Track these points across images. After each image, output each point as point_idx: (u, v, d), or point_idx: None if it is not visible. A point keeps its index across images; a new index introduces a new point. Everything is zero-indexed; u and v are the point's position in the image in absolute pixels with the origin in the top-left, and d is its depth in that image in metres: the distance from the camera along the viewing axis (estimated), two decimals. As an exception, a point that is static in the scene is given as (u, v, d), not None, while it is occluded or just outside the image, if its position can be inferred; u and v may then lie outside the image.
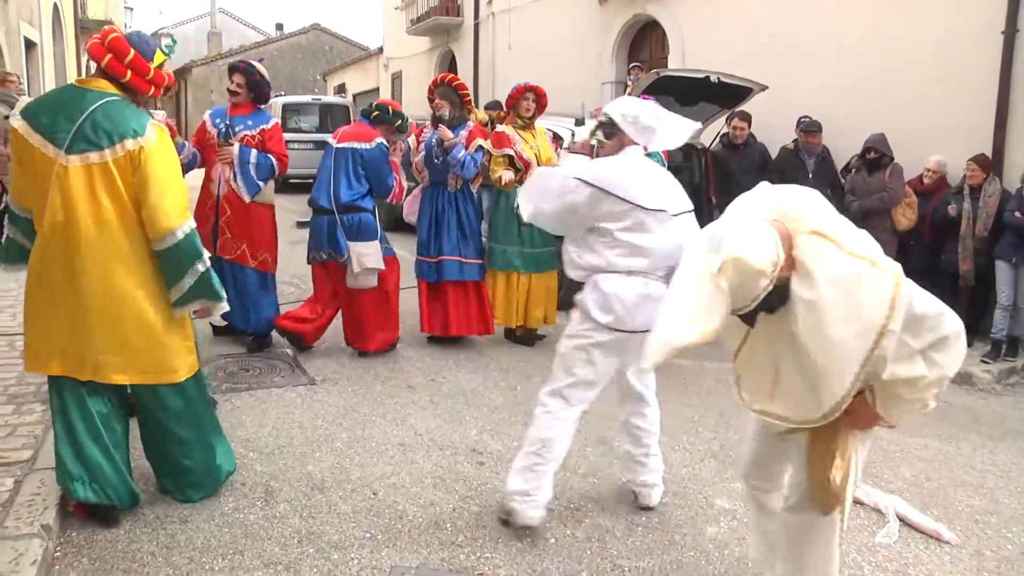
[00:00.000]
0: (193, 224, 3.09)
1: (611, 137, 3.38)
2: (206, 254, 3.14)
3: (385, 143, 5.62)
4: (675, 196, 3.34)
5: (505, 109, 6.31)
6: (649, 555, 3.28)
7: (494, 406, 4.91)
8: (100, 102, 2.99)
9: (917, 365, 2.19)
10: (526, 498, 3.28)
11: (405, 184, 5.87)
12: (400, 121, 5.76)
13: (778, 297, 2.21)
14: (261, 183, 5.46)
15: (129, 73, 3.07)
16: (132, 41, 3.10)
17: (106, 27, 3.26)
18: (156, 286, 3.12)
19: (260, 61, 5.70)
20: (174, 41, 3.96)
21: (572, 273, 3.41)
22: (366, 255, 5.48)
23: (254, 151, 5.40)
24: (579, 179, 3.22)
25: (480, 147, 6.00)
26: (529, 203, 3.41)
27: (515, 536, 3.34)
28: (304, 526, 3.33)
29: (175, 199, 3.03)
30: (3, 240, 3.34)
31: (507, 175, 5.91)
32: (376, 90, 25.26)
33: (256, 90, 5.52)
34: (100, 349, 3.06)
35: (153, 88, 3.17)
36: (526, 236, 6.09)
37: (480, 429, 4.53)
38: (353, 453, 4.10)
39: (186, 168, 5.03)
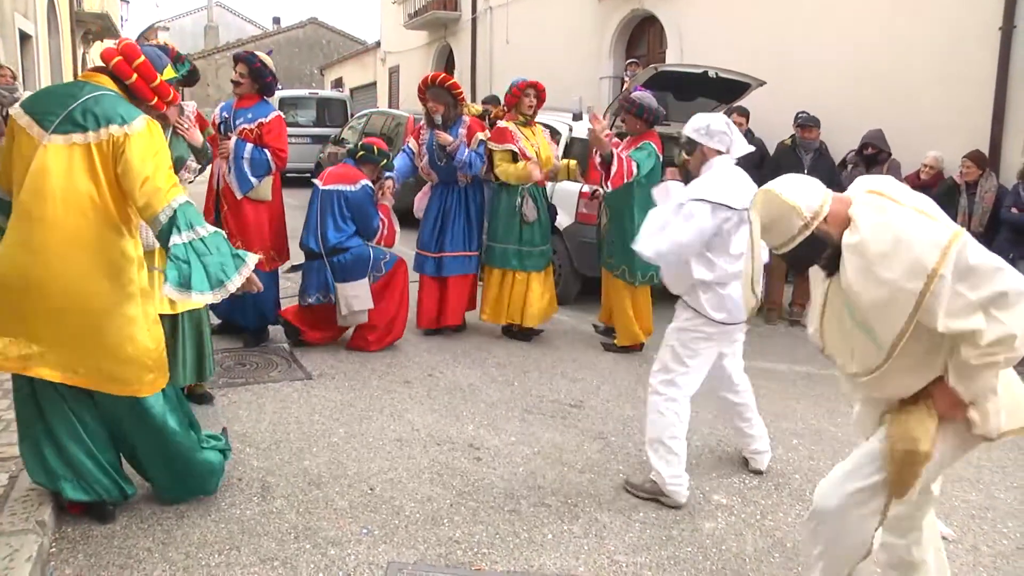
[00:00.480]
0: (179, 203, 2.92)
1: (692, 152, 3.79)
2: (201, 226, 2.96)
3: (370, 184, 5.68)
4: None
5: (506, 106, 6.29)
6: (646, 550, 3.27)
7: (491, 401, 4.91)
8: (95, 92, 2.98)
9: (974, 318, 2.14)
10: (678, 479, 3.63)
11: (397, 228, 5.97)
12: (385, 160, 5.78)
13: (835, 256, 2.29)
14: (255, 180, 5.35)
15: (135, 76, 3.07)
16: (145, 50, 3.13)
17: (125, 40, 3.27)
18: (118, 289, 2.96)
19: (268, 53, 5.67)
20: (188, 63, 3.99)
21: (679, 289, 3.75)
22: (354, 297, 5.53)
23: (249, 145, 5.31)
24: (699, 199, 3.54)
25: (482, 141, 6.01)
26: (654, 243, 3.57)
27: (512, 531, 3.34)
28: (301, 522, 3.32)
29: (158, 185, 2.90)
30: None
31: (536, 171, 5.93)
32: (373, 84, 25.24)
33: (259, 79, 5.40)
34: (39, 338, 2.89)
35: (157, 98, 3.15)
36: (526, 235, 6.08)
37: (477, 424, 4.52)
38: (350, 448, 4.09)
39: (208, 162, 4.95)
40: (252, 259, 3.04)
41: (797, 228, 2.27)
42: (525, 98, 6.06)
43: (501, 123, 6.14)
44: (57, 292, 2.86)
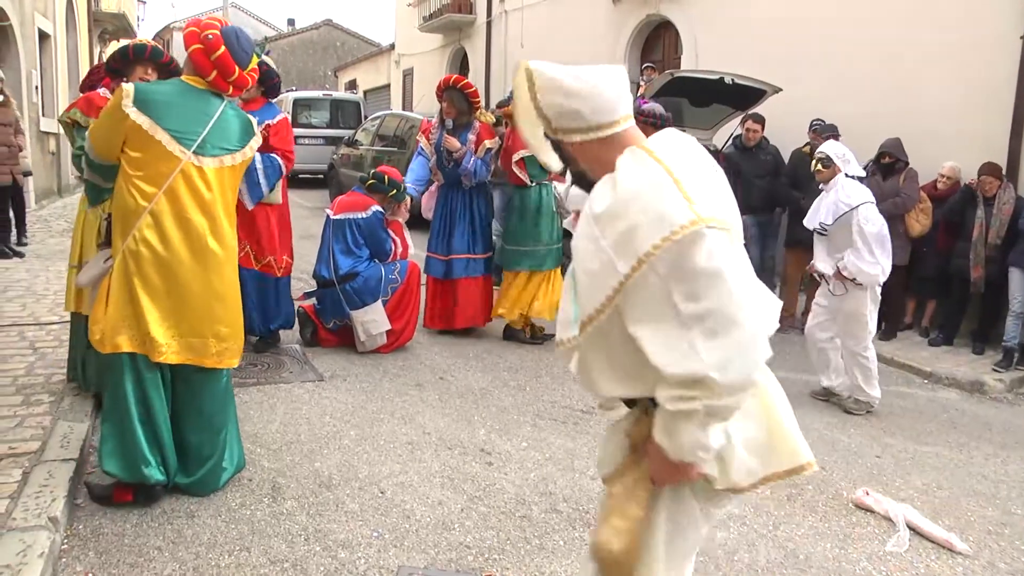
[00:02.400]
0: None
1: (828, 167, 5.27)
2: None
3: (380, 210, 5.74)
4: None
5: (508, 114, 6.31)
6: (658, 559, 3.24)
7: (503, 406, 4.89)
8: (222, 108, 3.27)
9: (669, 334, 1.61)
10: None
11: (410, 242, 6.02)
12: (395, 191, 5.81)
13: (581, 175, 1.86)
14: (267, 188, 5.29)
15: (214, 72, 3.21)
16: (227, 39, 3.22)
17: (206, 19, 3.36)
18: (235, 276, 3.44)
19: (267, 54, 5.65)
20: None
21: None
22: (371, 322, 5.61)
23: (258, 156, 5.26)
24: (867, 203, 5.13)
25: (488, 150, 6.03)
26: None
27: (523, 537, 3.32)
28: (311, 523, 3.32)
29: None
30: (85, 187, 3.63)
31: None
32: (387, 86, 25.29)
33: (264, 81, 5.27)
34: (223, 336, 3.31)
35: (232, 89, 3.33)
36: (543, 234, 6.06)
37: (489, 429, 4.50)
38: (361, 451, 4.08)
39: None
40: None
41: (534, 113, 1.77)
42: None
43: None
44: (233, 297, 3.37)
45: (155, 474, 3.24)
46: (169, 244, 3.14)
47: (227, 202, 3.31)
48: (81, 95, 4.40)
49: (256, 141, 3.42)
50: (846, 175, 5.20)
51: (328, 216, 5.82)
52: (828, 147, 5.34)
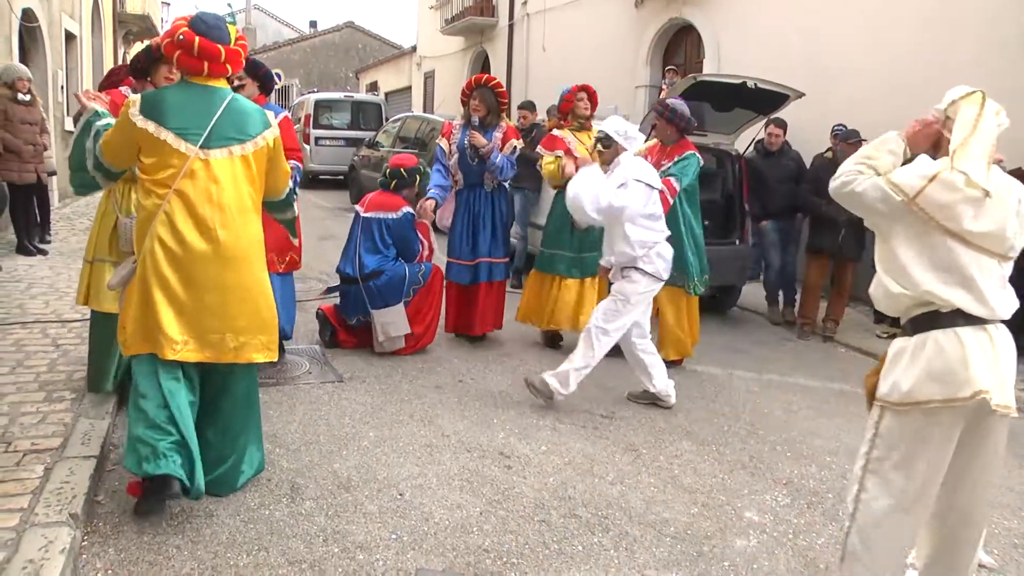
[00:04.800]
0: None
1: (609, 147, 4.93)
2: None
3: (411, 211, 5.76)
4: None
5: (561, 115, 6.27)
6: (677, 566, 3.22)
7: (522, 409, 4.88)
8: (226, 101, 3.23)
9: None
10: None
11: (435, 245, 6.03)
12: (419, 176, 5.83)
13: None
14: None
15: (205, 65, 3.19)
16: (196, 24, 3.19)
17: (172, 23, 3.32)
18: (263, 268, 3.40)
19: (230, 16, 5.66)
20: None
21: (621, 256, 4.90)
22: (391, 324, 5.61)
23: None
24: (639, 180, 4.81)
25: (515, 148, 6.00)
26: (597, 201, 4.66)
27: (542, 542, 3.31)
28: (329, 525, 3.31)
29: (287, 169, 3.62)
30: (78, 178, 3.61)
31: (569, 165, 5.88)
32: (408, 89, 25.37)
33: (255, 75, 5.17)
34: (240, 330, 3.27)
35: (231, 68, 3.29)
36: (577, 241, 6.02)
37: (508, 432, 4.49)
38: (380, 452, 4.08)
39: None
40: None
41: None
42: (579, 102, 6.10)
43: (556, 132, 6.15)
44: (251, 289, 3.30)
45: (161, 467, 3.08)
46: (183, 241, 3.13)
47: (240, 194, 3.24)
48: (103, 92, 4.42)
49: (272, 132, 3.37)
50: (631, 153, 4.86)
51: (358, 213, 5.80)
52: (607, 124, 4.90)
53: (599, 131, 4.91)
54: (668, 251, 4.94)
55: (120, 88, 4.23)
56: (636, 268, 4.84)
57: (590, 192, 4.63)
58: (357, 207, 5.89)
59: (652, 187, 4.81)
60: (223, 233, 3.18)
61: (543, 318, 6.16)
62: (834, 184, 2.74)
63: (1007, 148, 7.03)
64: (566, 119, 6.20)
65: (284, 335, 5.61)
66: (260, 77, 5.25)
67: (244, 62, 3.40)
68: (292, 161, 5.19)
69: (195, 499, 3.23)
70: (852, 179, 2.70)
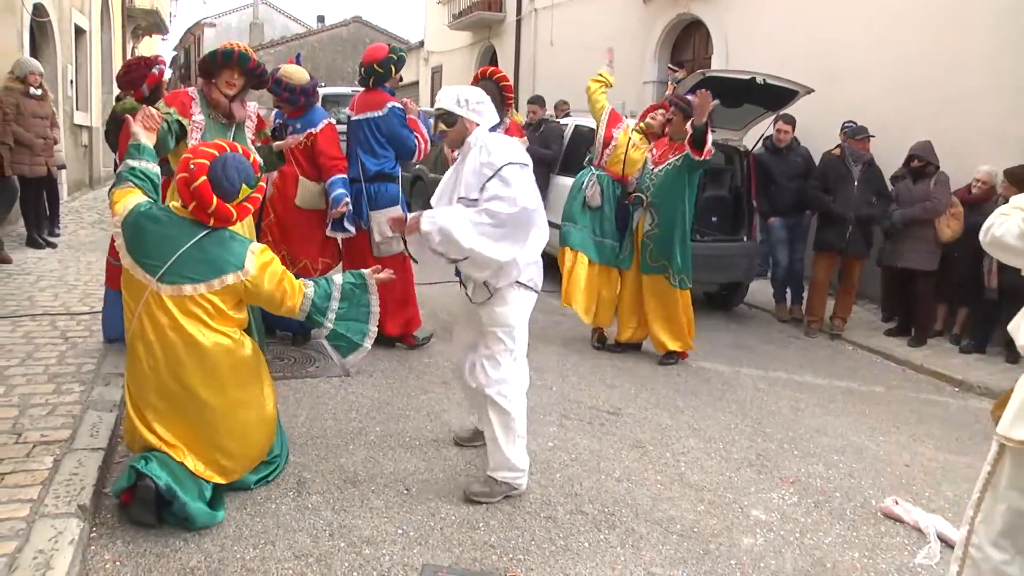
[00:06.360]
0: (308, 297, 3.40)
1: (453, 124, 3.66)
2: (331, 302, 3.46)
3: (398, 105, 5.53)
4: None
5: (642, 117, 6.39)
6: (683, 564, 3.22)
7: (529, 406, 4.76)
8: (199, 236, 3.15)
9: None
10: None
11: (428, 136, 5.73)
12: (395, 63, 5.55)
13: None
14: (349, 224, 5.42)
15: (192, 203, 3.14)
16: (212, 174, 3.13)
17: (205, 146, 3.26)
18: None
19: (297, 59, 5.63)
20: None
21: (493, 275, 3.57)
22: (385, 223, 5.36)
23: (339, 192, 5.26)
24: (513, 163, 3.49)
25: None
26: (500, 245, 3.47)
27: (548, 538, 3.31)
28: (336, 519, 3.32)
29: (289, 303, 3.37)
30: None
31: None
32: (415, 84, 25.33)
33: (291, 104, 5.32)
34: (233, 454, 3.32)
35: (213, 220, 3.20)
36: (593, 221, 6.06)
37: (513, 428, 4.48)
38: (386, 447, 4.08)
39: (281, 157, 4.95)
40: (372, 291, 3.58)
41: None
42: (653, 121, 6.20)
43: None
44: (234, 423, 3.28)
45: (147, 469, 3.07)
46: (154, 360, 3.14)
47: (201, 324, 3.13)
48: (168, 93, 4.49)
49: (245, 274, 3.18)
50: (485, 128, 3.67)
51: (349, 117, 5.67)
52: (443, 95, 3.67)
53: (437, 107, 3.67)
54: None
55: (187, 89, 4.29)
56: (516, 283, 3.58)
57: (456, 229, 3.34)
58: (347, 111, 5.75)
59: (525, 165, 3.55)
60: (191, 363, 3.13)
61: (583, 300, 6.06)
62: (981, 237, 2.50)
63: (1014, 147, 7.02)
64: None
65: (295, 329, 5.65)
66: (298, 100, 5.29)
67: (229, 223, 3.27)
68: (336, 175, 5.24)
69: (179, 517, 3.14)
70: (992, 223, 2.45)
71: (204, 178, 3.10)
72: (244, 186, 3.19)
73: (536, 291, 3.65)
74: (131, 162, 3.40)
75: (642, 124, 6.24)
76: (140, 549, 2.98)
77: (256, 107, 4.68)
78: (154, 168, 3.45)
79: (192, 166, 3.13)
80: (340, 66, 33.47)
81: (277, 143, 4.88)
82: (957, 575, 2.51)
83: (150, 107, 3.73)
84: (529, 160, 3.60)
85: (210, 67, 4.27)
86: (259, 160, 3.48)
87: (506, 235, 3.36)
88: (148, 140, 3.55)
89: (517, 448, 3.57)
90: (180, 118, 4.14)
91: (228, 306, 3.21)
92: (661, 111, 6.18)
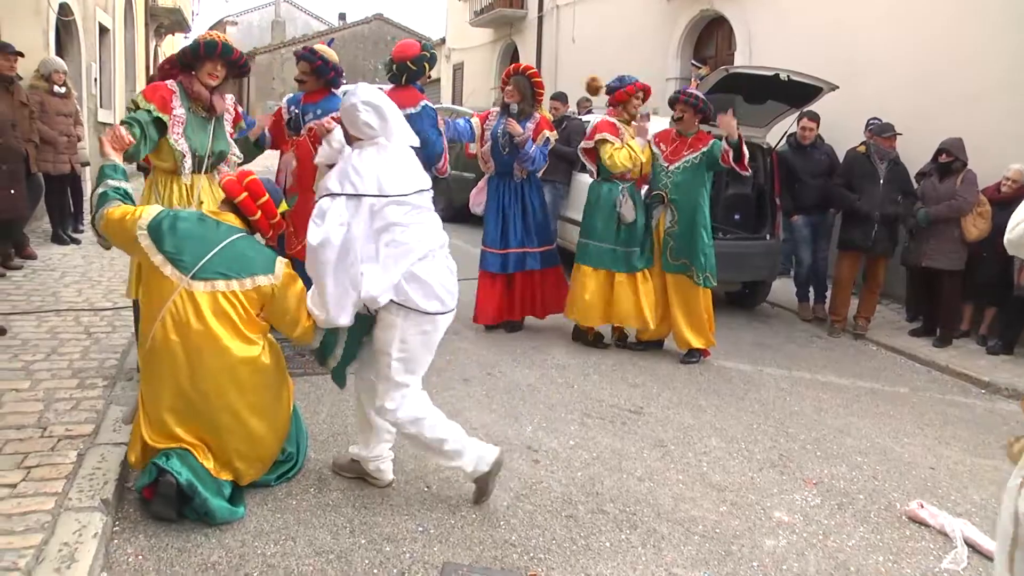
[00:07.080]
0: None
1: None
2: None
3: (431, 105, 5.45)
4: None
5: (613, 103, 6.06)
6: (705, 565, 3.19)
7: (551, 403, 4.86)
8: (232, 237, 3.24)
9: None
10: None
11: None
12: (428, 61, 5.50)
13: None
14: None
15: (259, 213, 3.36)
16: (267, 186, 3.40)
17: (238, 171, 3.51)
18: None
19: (329, 43, 5.64)
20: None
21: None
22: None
23: None
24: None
25: (548, 139, 6.00)
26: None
27: (569, 537, 3.29)
28: (356, 516, 3.32)
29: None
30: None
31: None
32: (437, 81, 25.36)
33: (321, 75, 5.28)
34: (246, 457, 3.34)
35: (272, 231, 3.47)
36: (623, 235, 5.93)
37: (536, 426, 4.47)
38: (407, 444, 4.06)
39: (258, 146, 5.02)
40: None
41: None
42: (635, 99, 5.97)
43: (607, 117, 6.02)
44: (246, 430, 3.28)
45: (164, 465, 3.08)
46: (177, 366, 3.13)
47: (229, 325, 3.14)
48: (147, 87, 4.47)
49: (274, 279, 3.25)
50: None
51: None
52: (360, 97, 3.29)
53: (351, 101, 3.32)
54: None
55: (166, 82, 4.25)
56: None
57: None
58: None
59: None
60: (214, 361, 3.13)
61: (596, 315, 6.03)
62: (1006, 235, 2.36)
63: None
64: (616, 108, 6.05)
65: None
66: (326, 78, 5.29)
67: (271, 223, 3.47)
68: None
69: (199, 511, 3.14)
70: (1017, 222, 2.31)
71: (255, 177, 3.33)
72: (282, 203, 3.47)
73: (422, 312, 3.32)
74: (111, 182, 3.45)
75: (626, 115, 6.00)
76: (162, 543, 3.00)
77: (233, 100, 4.65)
78: (129, 186, 3.51)
79: (247, 180, 3.36)
80: (361, 64, 33.59)
81: (313, 122, 4.94)
82: None
83: (119, 127, 3.78)
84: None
85: (192, 59, 4.21)
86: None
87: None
88: (117, 158, 3.63)
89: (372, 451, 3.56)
90: (160, 114, 4.09)
91: (255, 311, 3.26)
92: (641, 93, 5.98)
